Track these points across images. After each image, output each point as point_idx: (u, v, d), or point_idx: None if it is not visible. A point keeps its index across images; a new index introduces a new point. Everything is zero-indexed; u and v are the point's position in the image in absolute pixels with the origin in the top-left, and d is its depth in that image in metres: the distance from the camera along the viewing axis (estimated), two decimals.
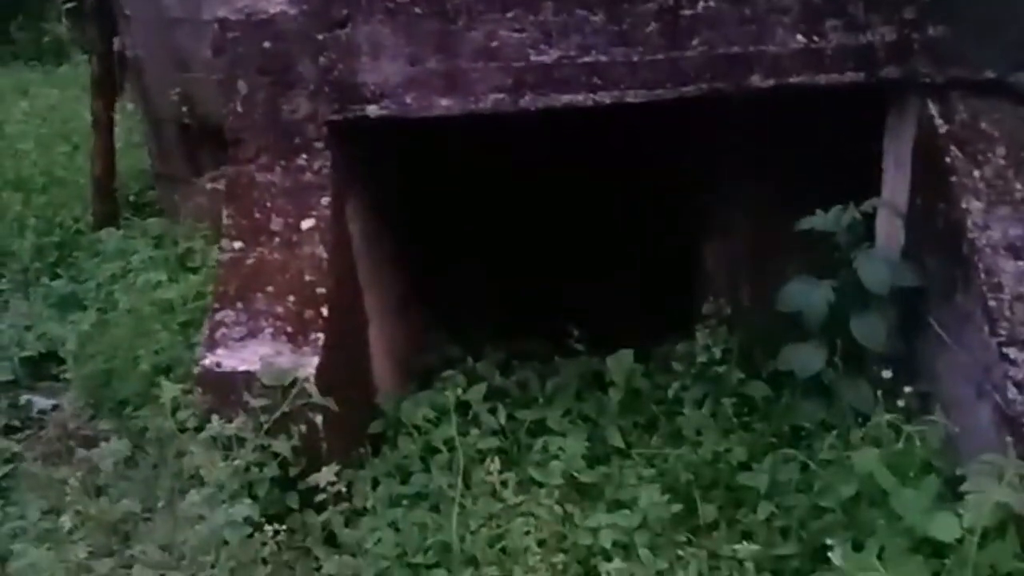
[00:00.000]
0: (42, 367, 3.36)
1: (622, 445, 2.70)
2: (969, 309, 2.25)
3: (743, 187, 3.11)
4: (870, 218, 2.60)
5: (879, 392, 2.34)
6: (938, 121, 2.42)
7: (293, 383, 2.17)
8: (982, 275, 2.20)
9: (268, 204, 2.53)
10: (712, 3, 2.37)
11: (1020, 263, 2.20)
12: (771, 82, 2.45)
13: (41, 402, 3.11)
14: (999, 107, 2.42)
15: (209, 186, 4.12)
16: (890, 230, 2.65)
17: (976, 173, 2.34)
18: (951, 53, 2.39)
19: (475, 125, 2.52)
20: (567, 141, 2.96)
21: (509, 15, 2.40)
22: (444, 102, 2.49)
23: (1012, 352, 2.09)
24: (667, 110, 2.48)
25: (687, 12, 2.38)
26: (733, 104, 2.56)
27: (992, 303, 2.15)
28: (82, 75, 5.56)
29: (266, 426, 2.14)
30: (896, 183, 2.63)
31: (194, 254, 3.73)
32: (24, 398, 3.13)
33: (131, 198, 4.82)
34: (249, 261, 2.42)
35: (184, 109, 4.13)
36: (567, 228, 3.24)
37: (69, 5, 8.62)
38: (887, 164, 2.67)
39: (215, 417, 2.11)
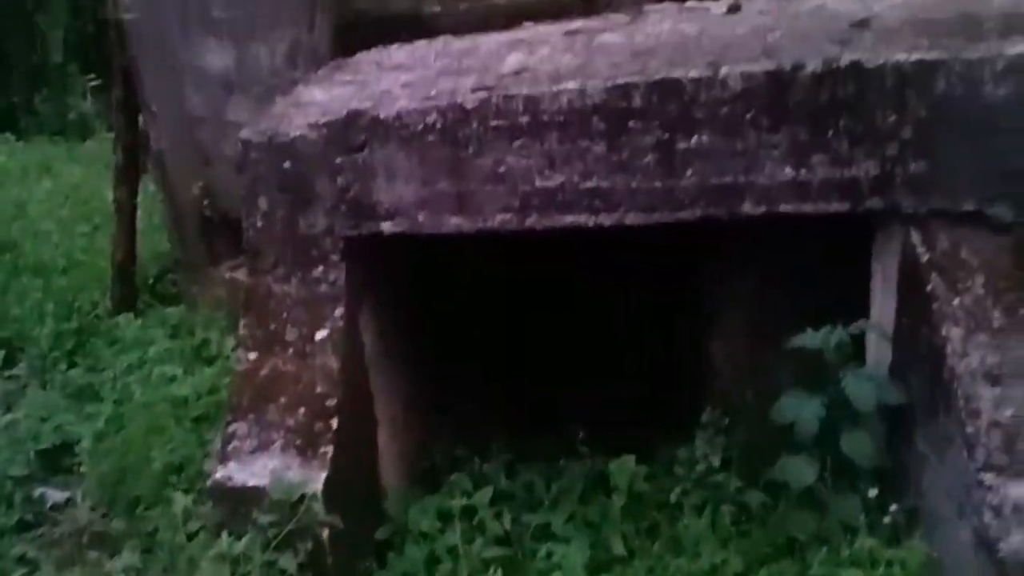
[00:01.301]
0: (57, 458, 3.46)
1: (624, 553, 2.78)
2: (950, 431, 2.35)
3: (743, 299, 3.25)
4: (861, 335, 2.73)
5: (867, 507, 2.43)
6: (920, 249, 2.55)
7: (301, 499, 2.27)
8: (961, 401, 2.30)
9: (284, 314, 2.67)
10: (705, 138, 2.53)
11: (997, 390, 2.30)
12: (762, 210, 2.59)
13: (55, 495, 3.20)
14: (978, 237, 2.55)
15: (227, 275, 4.28)
16: (879, 348, 2.77)
17: (956, 301, 2.46)
18: (931, 186, 2.53)
19: (486, 240, 2.67)
20: (575, 254, 3.11)
21: (516, 144, 2.56)
22: (454, 220, 2.64)
23: (988, 478, 2.18)
24: (672, 228, 2.63)
25: (682, 145, 2.54)
26: (736, 222, 2.70)
27: (970, 429, 2.25)
28: (106, 151, 5.76)
29: (273, 543, 2.24)
30: (884, 304, 2.76)
31: (210, 345, 3.87)
32: (38, 491, 3.23)
33: (150, 281, 4.97)
34: (263, 372, 2.55)
35: (205, 202, 4.32)
36: (573, 334, 3.37)
37: (94, 83, 8.96)
38: (875, 285, 2.81)
39: (224, 534, 2.21)
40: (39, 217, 5.80)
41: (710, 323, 3.55)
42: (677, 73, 2.52)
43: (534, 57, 3.00)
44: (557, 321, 3.32)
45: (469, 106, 2.53)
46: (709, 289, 3.49)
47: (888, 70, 2.45)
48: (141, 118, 4.59)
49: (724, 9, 3.59)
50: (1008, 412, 2.27)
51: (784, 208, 2.59)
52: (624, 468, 2.97)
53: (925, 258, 2.54)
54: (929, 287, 2.50)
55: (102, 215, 5.57)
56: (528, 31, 3.54)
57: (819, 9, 3.34)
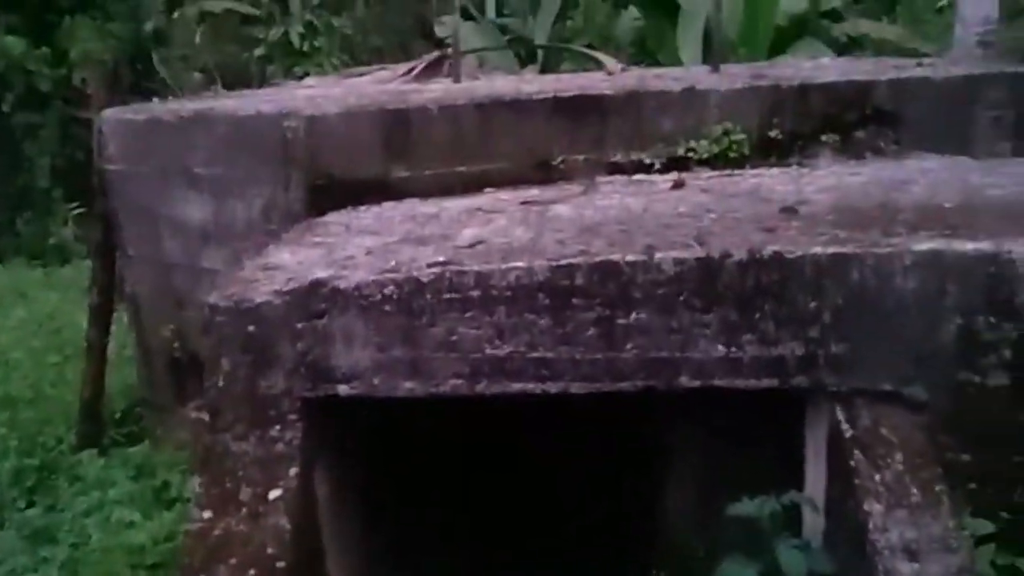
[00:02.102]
0: None
1: None
2: None
3: (694, 453, 3.40)
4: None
5: None
6: (844, 426, 2.72)
7: None
8: (882, 574, 2.43)
9: (239, 473, 2.77)
10: (643, 315, 2.73)
11: (915, 565, 2.43)
12: (697, 383, 2.77)
13: None
14: (897, 415, 2.73)
15: (194, 415, 4.37)
16: (814, 517, 2.90)
17: (877, 476, 2.62)
18: (852, 366, 2.73)
19: (443, 405, 2.82)
20: (528, 417, 3.27)
21: (468, 315, 2.75)
22: (408, 385, 2.79)
23: None
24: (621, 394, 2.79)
25: (621, 321, 2.73)
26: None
27: None
28: (83, 277, 5.89)
29: None
30: (816, 474, 2.91)
31: (171, 487, 3.93)
32: None
33: (117, 416, 5.04)
34: (216, 532, 2.63)
35: (176, 344, 4.46)
36: (525, 495, 3.49)
37: (77, 211, 9.20)
38: (808, 455, 2.96)
39: None
40: (10, 346, 5.89)
41: (661, 478, 3.69)
42: (616, 256, 2.73)
43: (489, 228, 3.22)
44: (509, 482, 3.44)
45: (424, 279, 2.73)
46: (660, 444, 3.64)
47: (807, 261, 2.68)
48: (118, 260, 4.78)
49: (669, 184, 3.88)
50: None
51: (718, 383, 2.77)
52: None
53: (848, 434, 2.71)
54: (852, 462, 2.66)
55: (74, 346, 5.67)
56: (488, 197, 3.80)
57: (755, 190, 3.63)
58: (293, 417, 2.83)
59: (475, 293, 2.73)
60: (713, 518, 3.20)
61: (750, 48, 7.86)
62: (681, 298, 2.72)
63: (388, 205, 3.89)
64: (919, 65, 4.86)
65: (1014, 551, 2.67)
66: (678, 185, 3.89)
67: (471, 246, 3.02)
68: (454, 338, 2.76)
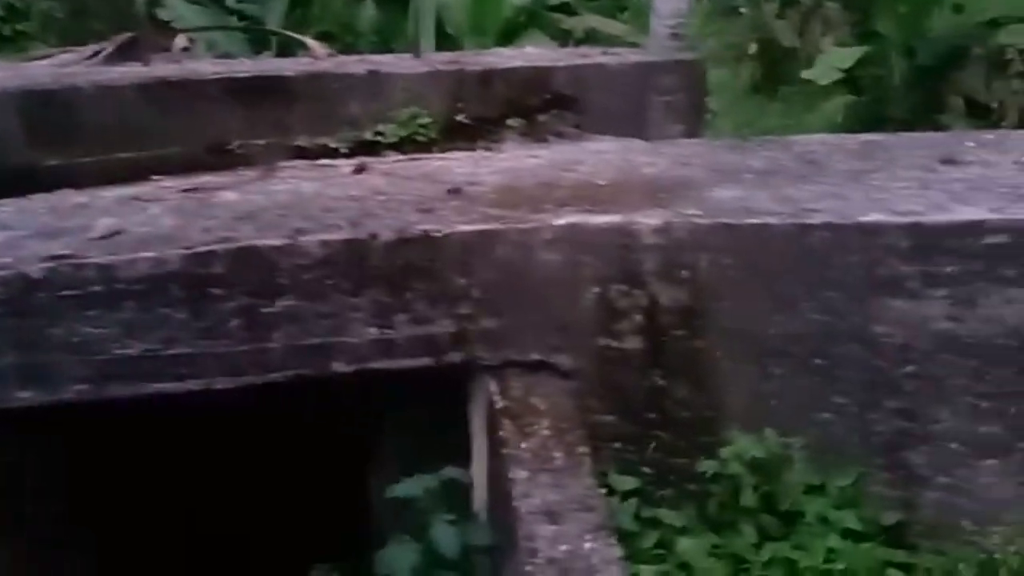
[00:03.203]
0: None
1: None
2: (519, 570, 2.53)
3: (394, 450, 3.37)
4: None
5: None
6: (496, 398, 2.78)
7: None
8: (521, 541, 2.49)
9: None
10: (291, 302, 2.63)
11: (554, 527, 2.52)
12: (352, 368, 2.72)
13: None
14: (547, 383, 2.83)
15: None
16: (480, 491, 2.95)
17: (524, 444, 2.69)
18: (503, 340, 2.79)
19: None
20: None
21: (90, 313, 2.53)
22: (23, 394, 2.53)
23: None
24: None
25: (267, 309, 2.62)
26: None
27: (527, 568, 2.43)
28: None
29: None
30: (480, 447, 2.96)
31: None
32: None
33: None
34: None
35: None
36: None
37: None
38: (474, 430, 3.01)
39: None
40: None
41: (370, 469, 3.62)
42: (258, 241, 2.62)
43: (137, 218, 3.00)
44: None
45: (36, 276, 2.48)
46: (371, 435, 3.57)
47: (454, 239, 2.70)
48: None
49: (351, 169, 3.81)
50: (563, 547, 2.48)
51: (374, 365, 2.73)
52: None
53: (500, 405, 2.77)
54: (501, 433, 2.71)
55: None
56: (150, 185, 3.55)
57: (433, 173, 3.63)
58: None
59: (98, 288, 2.51)
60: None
61: (478, 38, 8.00)
62: (330, 282, 2.65)
63: (37, 197, 3.52)
64: (604, 53, 5.11)
65: (655, 503, 2.84)
66: (359, 169, 3.82)
67: (104, 237, 2.79)
68: (76, 339, 2.53)
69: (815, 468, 2.74)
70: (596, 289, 2.77)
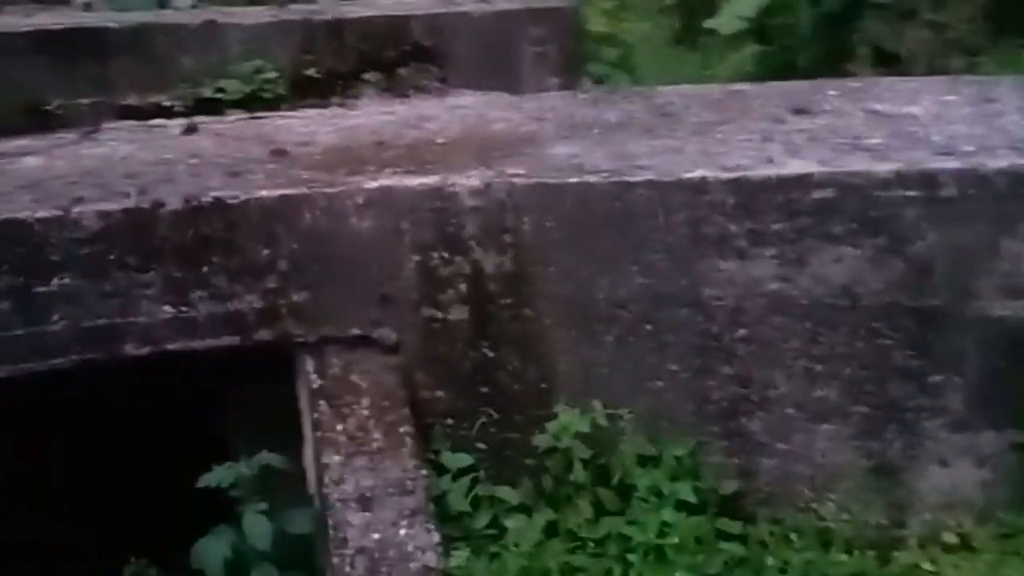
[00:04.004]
0: None
1: None
2: (328, 560, 2.36)
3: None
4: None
5: None
6: (312, 377, 2.58)
7: None
8: (331, 531, 2.32)
9: None
10: (68, 280, 2.38)
11: (368, 514, 2.35)
12: (147, 350, 2.49)
13: None
14: (369, 359, 2.64)
15: None
16: (311, 477, 2.75)
17: (340, 427, 2.51)
18: (318, 315, 2.58)
19: None
20: None
21: None
22: None
23: None
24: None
25: (41, 289, 2.37)
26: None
27: (335, 559, 2.26)
28: None
29: None
30: (307, 432, 2.76)
31: None
32: None
33: None
34: None
35: None
36: None
37: None
38: (302, 410, 2.80)
39: None
40: None
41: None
42: (25, 214, 2.35)
43: None
44: None
45: None
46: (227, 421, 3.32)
47: (253, 206, 2.47)
48: None
49: (180, 130, 3.53)
50: (375, 536, 2.32)
51: (172, 346, 2.50)
52: None
53: (316, 385, 2.58)
54: (316, 415, 2.52)
55: None
56: None
57: (268, 133, 3.37)
58: None
59: None
60: None
61: None
62: (111, 257, 2.40)
63: None
64: (470, 2, 4.85)
65: (490, 481, 2.69)
66: (190, 130, 3.54)
67: None
68: None
69: (650, 439, 2.62)
70: (417, 257, 2.58)
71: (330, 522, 2.33)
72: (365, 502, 2.38)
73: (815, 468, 2.59)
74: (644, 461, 2.62)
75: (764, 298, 2.48)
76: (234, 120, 3.75)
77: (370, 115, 3.78)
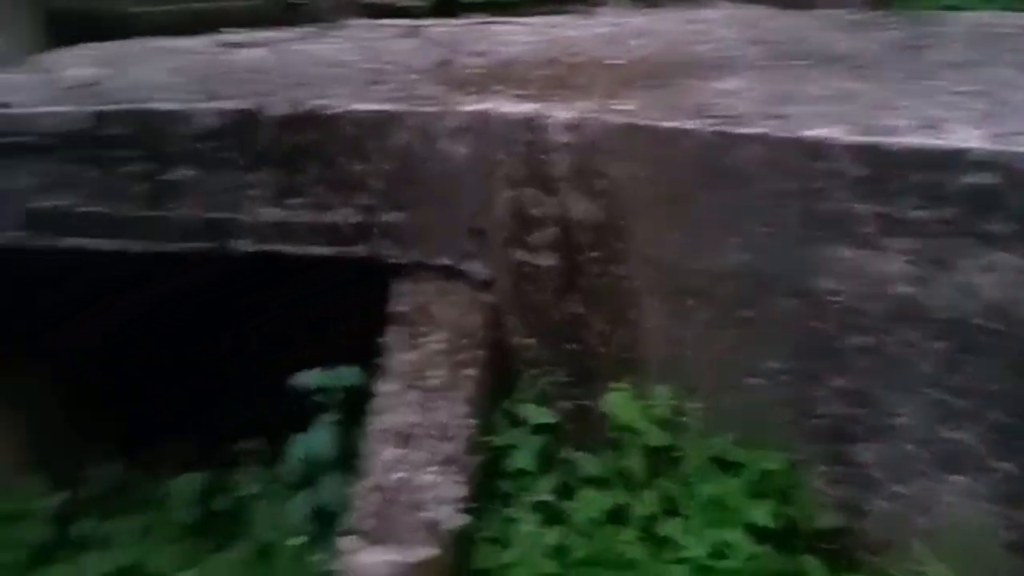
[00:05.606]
0: None
1: None
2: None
3: None
4: None
5: None
6: (398, 299, 2.52)
7: None
8: (361, 460, 2.29)
9: None
10: (189, 171, 2.53)
11: (400, 451, 2.27)
12: (251, 248, 2.58)
13: None
14: (456, 292, 2.51)
15: None
16: None
17: (405, 356, 2.43)
18: (409, 238, 2.50)
19: None
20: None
21: (19, 161, 2.60)
22: None
23: (347, 542, 2.12)
24: None
25: (168, 177, 2.55)
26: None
27: (356, 490, 2.23)
28: None
29: None
30: None
31: None
32: None
33: None
34: None
35: None
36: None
37: None
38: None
39: None
40: None
41: None
42: (156, 105, 2.52)
43: (131, 70, 3.01)
44: None
45: None
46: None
47: (346, 120, 2.42)
48: None
49: (399, 32, 3.57)
50: (396, 475, 2.24)
51: (271, 248, 2.58)
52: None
53: (397, 308, 2.52)
54: (388, 339, 2.47)
55: None
56: (188, 41, 3.56)
57: (477, 39, 3.28)
58: None
59: (17, 139, 2.57)
60: None
61: None
62: (225, 155, 2.51)
63: (123, 43, 3.68)
64: None
65: (574, 445, 2.47)
66: (408, 33, 3.57)
67: (74, 88, 2.84)
68: (7, 186, 2.63)
69: (735, 442, 2.21)
70: (510, 192, 2.36)
71: (367, 450, 2.30)
72: (402, 438, 2.30)
73: (937, 525, 2.01)
74: (724, 466, 2.23)
75: (891, 302, 1.92)
76: (456, 25, 3.70)
77: (589, 27, 3.52)
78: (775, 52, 2.83)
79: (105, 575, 2.95)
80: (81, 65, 3.07)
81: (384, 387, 2.40)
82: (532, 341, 2.49)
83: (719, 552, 2.13)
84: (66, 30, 3.85)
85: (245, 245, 2.59)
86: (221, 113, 2.49)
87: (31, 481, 3.20)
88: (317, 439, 2.58)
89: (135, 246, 2.64)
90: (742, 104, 2.23)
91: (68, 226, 2.65)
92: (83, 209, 2.63)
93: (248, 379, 3.40)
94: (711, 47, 3.00)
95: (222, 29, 3.79)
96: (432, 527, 2.13)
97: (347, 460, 2.58)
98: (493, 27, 3.60)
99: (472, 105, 2.38)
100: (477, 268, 2.48)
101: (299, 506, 2.66)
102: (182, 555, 3.00)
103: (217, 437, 3.23)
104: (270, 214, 2.54)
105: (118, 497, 3.27)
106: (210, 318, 3.28)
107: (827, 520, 2.15)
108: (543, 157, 2.27)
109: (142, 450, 3.38)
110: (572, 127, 2.22)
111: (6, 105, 2.63)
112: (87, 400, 3.40)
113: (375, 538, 2.15)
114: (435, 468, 2.25)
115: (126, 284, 2.95)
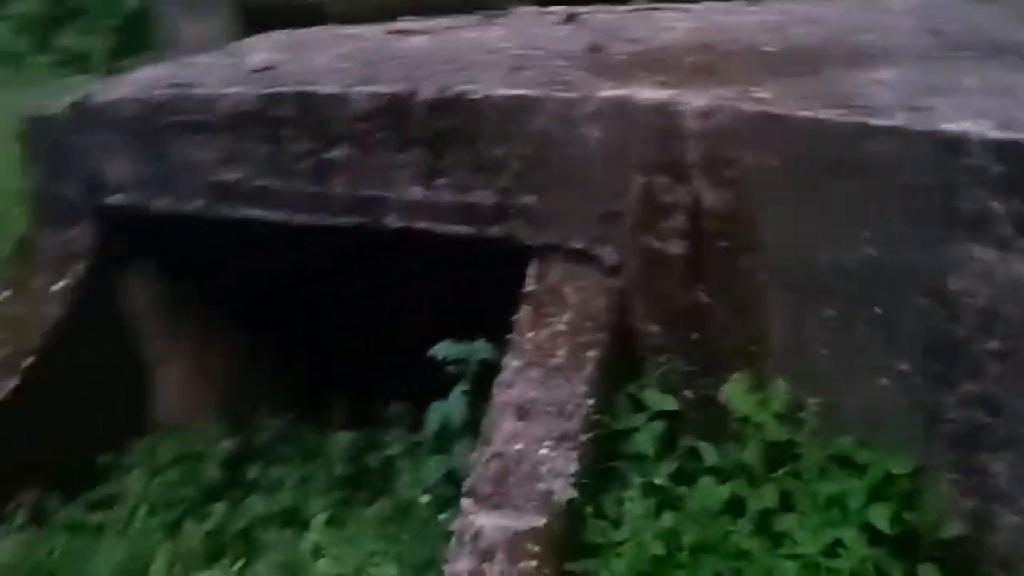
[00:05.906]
0: None
1: None
2: None
3: None
4: None
5: None
6: (530, 280, 2.61)
7: None
8: (483, 430, 2.40)
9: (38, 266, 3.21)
10: (347, 151, 2.72)
11: (519, 424, 2.37)
12: (401, 224, 2.74)
13: None
14: (585, 275, 2.57)
15: None
16: None
17: (531, 333, 2.51)
18: (544, 221, 2.58)
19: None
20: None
21: (198, 138, 2.89)
22: (162, 202, 3.03)
23: (466, 504, 2.24)
24: None
25: (328, 155, 2.75)
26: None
27: (476, 454, 2.34)
28: None
29: None
30: None
31: None
32: None
33: None
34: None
35: None
36: None
37: None
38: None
39: None
40: None
41: None
42: (318, 88, 2.73)
43: (305, 55, 3.27)
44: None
45: (156, 101, 2.90)
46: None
47: (488, 104, 2.52)
48: None
49: (559, 19, 3.65)
50: (516, 447, 2.34)
51: (419, 225, 2.73)
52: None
53: (530, 288, 2.60)
54: (519, 318, 2.56)
55: None
56: (362, 28, 3.79)
57: (639, 25, 3.34)
58: (85, 222, 3.18)
59: (201, 117, 2.86)
60: None
61: None
62: (377, 135, 2.68)
63: (304, 31, 3.98)
64: None
65: (696, 433, 2.48)
66: (568, 19, 3.66)
67: (261, 70, 3.11)
68: (189, 159, 2.93)
69: (859, 442, 2.15)
70: (642, 178, 2.39)
71: (488, 423, 2.40)
72: (522, 412, 2.39)
73: None
74: (845, 464, 2.17)
75: None
76: (622, 11, 3.74)
77: (755, 14, 3.48)
78: (946, 43, 2.70)
79: (266, 516, 3.21)
80: (263, 51, 3.35)
81: (510, 362, 2.49)
82: (657, 328, 2.50)
83: (832, 551, 2.08)
84: (263, 20, 4.21)
85: (393, 221, 2.75)
86: (375, 96, 2.65)
87: (210, 424, 3.52)
88: (452, 407, 2.71)
89: (300, 218, 2.87)
90: (888, 95, 2.15)
91: (243, 197, 2.91)
92: (256, 183, 2.88)
93: (400, 347, 3.62)
94: (877, 36, 2.89)
95: (399, 18, 4.01)
96: (545, 498, 2.21)
97: (478, 428, 2.71)
98: (657, 14, 3.61)
99: (610, 91, 2.42)
100: (606, 253, 2.52)
101: (433, 469, 2.82)
102: (334, 504, 3.21)
103: (372, 399, 3.46)
104: (417, 193, 2.69)
105: (284, 447, 3.55)
106: (365, 289, 3.51)
107: (952, 529, 2.05)
108: (676, 144, 2.28)
109: (308, 405, 3.66)
110: (705, 114, 2.22)
111: (191, 85, 2.91)
112: (265, 355, 3.71)
113: (492, 504, 2.26)
114: (551, 443, 2.32)
115: (291, 252, 3.21)
